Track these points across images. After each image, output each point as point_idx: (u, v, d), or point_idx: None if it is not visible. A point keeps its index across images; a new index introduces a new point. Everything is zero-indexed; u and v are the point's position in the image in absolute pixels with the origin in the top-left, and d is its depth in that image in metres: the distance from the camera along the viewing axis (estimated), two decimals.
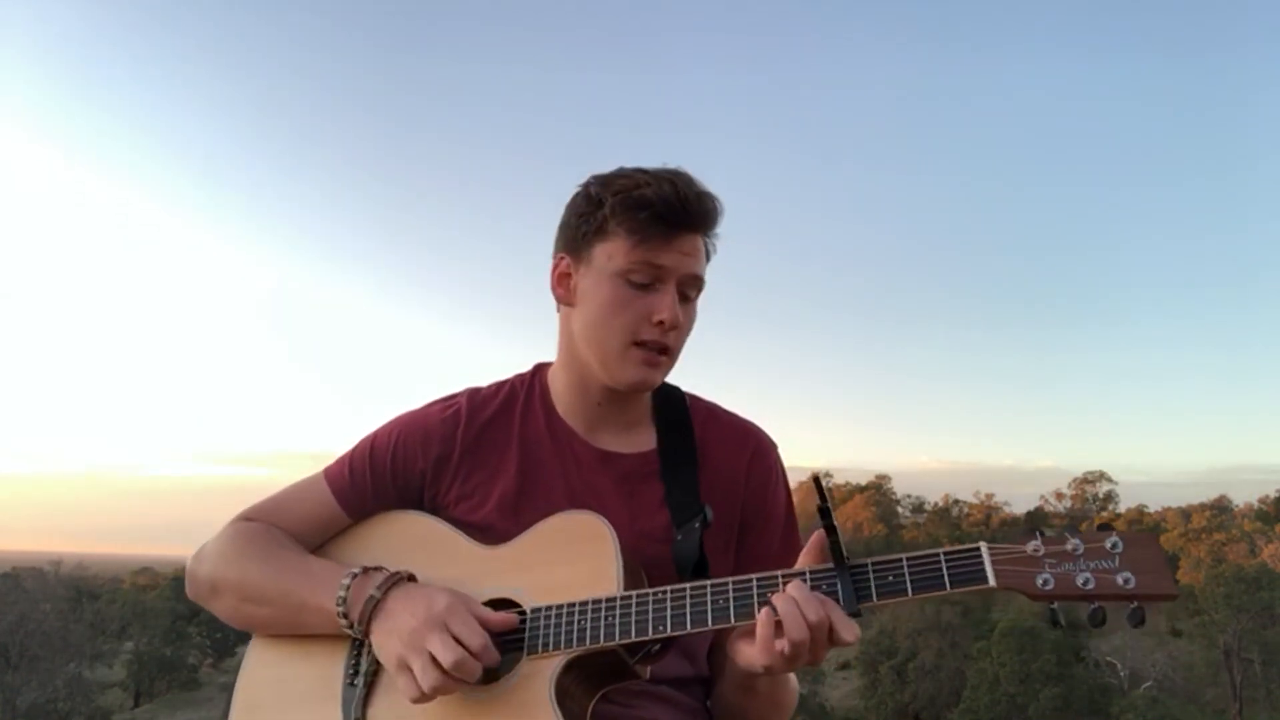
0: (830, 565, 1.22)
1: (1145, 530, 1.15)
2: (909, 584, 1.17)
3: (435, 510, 1.53)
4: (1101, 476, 72.74)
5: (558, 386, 1.57)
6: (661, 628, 1.26)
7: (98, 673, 41.76)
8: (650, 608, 1.28)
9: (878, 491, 71.53)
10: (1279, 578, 36.04)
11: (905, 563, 1.19)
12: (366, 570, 1.39)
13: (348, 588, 1.37)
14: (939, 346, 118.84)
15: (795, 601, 1.18)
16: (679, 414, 1.57)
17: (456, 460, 1.53)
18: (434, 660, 1.25)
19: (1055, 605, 1.14)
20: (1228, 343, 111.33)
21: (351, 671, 1.41)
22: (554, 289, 1.53)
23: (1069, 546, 1.14)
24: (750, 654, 1.23)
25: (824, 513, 1.20)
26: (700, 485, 1.49)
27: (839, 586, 1.20)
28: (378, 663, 1.38)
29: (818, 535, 1.24)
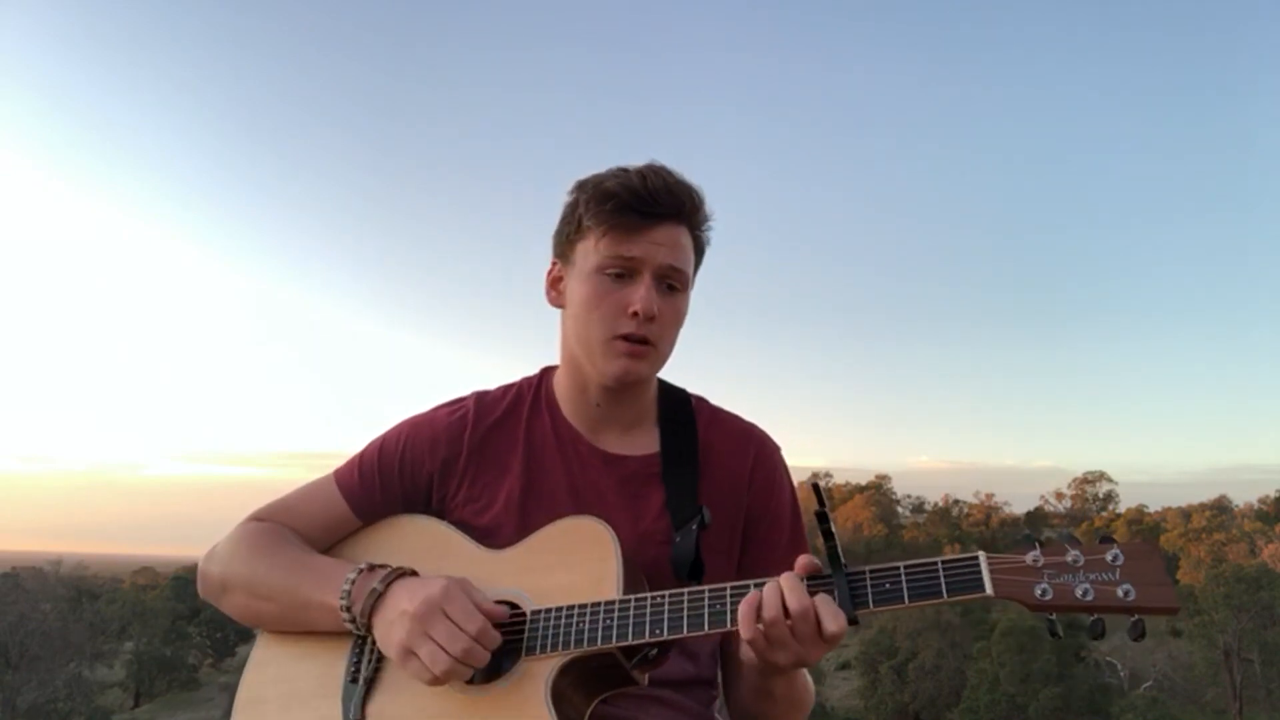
0: (828, 572, 1.22)
1: (1147, 541, 1.16)
2: (905, 592, 1.17)
3: (443, 512, 1.54)
4: (1101, 476, 72.83)
5: (561, 389, 1.58)
6: (659, 631, 1.27)
7: (98, 673, 41.78)
8: (648, 612, 1.28)
9: (878, 491, 71.27)
10: (1279, 578, 35.97)
11: (903, 571, 1.19)
12: (372, 567, 1.40)
13: (352, 582, 1.38)
14: (939, 346, 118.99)
15: (779, 588, 1.19)
16: (683, 416, 1.57)
17: (463, 463, 1.54)
18: (441, 647, 1.26)
19: (1054, 616, 1.14)
20: (1228, 342, 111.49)
21: (353, 669, 1.42)
22: (547, 293, 1.55)
23: (1069, 558, 1.14)
24: (745, 647, 1.23)
25: (821, 517, 1.20)
26: (701, 488, 1.49)
27: (835, 591, 1.20)
28: (379, 661, 1.40)
29: (806, 558, 1.24)
